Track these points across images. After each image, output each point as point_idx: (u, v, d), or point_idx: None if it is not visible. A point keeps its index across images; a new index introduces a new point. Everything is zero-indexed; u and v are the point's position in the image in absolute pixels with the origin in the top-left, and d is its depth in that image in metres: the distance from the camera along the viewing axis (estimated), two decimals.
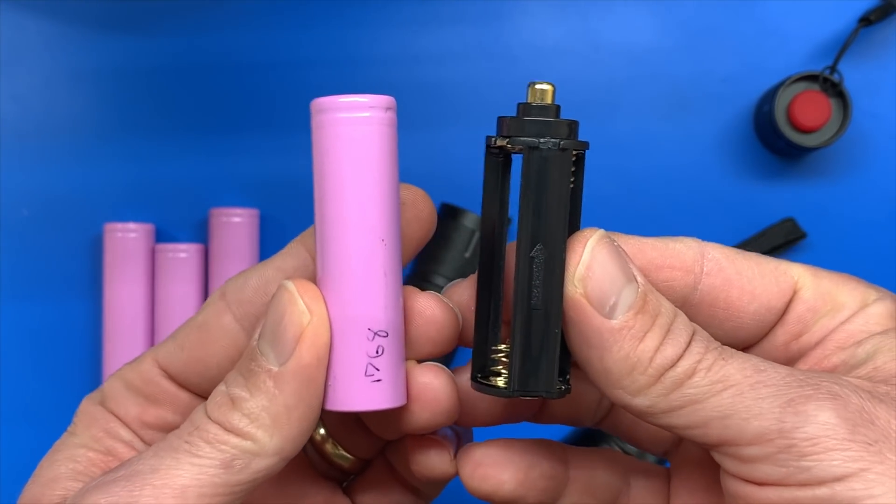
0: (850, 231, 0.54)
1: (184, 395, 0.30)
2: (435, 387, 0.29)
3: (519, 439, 0.30)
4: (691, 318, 0.27)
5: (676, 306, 0.27)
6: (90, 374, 0.54)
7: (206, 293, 0.53)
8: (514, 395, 0.27)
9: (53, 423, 0.54)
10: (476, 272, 0.29)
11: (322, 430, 0.32)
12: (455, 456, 0.30)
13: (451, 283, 0.30)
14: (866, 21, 0.52)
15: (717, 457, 0.26)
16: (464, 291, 0.30)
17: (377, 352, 0.27)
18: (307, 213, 0.59)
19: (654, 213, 0.54)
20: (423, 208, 0.29)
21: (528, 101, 0.28)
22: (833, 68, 0.52)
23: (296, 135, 0.55)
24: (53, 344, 0.54)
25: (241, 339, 0.29)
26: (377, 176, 0.26)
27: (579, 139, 0.27)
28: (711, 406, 0.25)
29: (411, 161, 0.54)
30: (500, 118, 0.28)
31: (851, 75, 0.53)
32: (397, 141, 0.27)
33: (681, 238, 0.29)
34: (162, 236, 0.54)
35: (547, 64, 0.55)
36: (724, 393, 0.25)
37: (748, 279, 0.28)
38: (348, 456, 0.32)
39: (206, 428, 0.26)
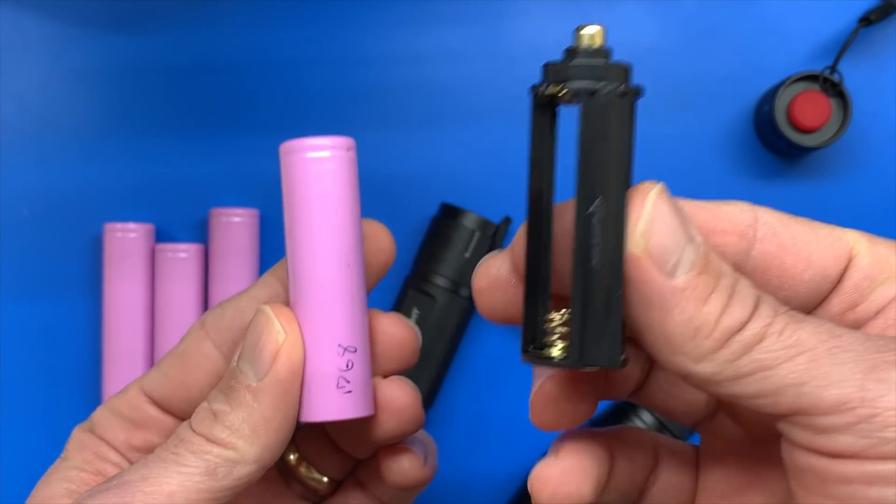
0: None
1: (167, 420, 0.32)
2: (399, 397, 0.31)
3: (579, 439, 0.29)
4: None
5: None
6: (90, 374, 0.54)
7: (206, 293, 0.53)
8: (576, 367, 0.25)
9: (53, 423, 0.54)
10: (525, 237, 0.27)
11: (295, 454, 0.34)
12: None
13: (488, 255, 0.29)
14: (866, 21, 0.52)
15: (785, 427, 0.25)
16: (502, 264, 0.28)
17: (347, 366, 0.29)
18: None
19: None
20: (382, 239, 0.31)
21: (575, 46, 0.26)
22: (833, 68, 0.52)
23: (296, 135, 0.55)
24: (53, 344, 0.54)
25: (221, 365, 0.31)
26: (340, 208, 0.29)
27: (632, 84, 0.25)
28: (784, 372, 0.24)
29: (411, 161, 0.54)
30: (545, 65, 0.26)
31: (851, 75, 0.53)
32: (357, 177, 0.30)
33: (732, 201, 0.28)
34: (162, 236, 0.54)
35: None
36: (798, 358, 0.24)
37: (803, 245, 0.27)
38: (322, 478, 0.34)
39: (191, 440, 0.29)
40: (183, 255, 0.52)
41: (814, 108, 0.51)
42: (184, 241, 0.54)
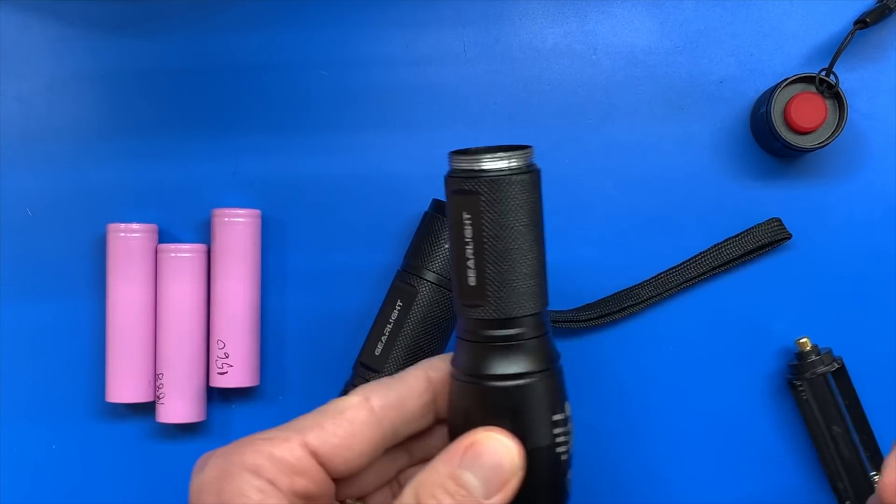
0: (848, 231, 0.54)
1: (322, 473, 0.36)
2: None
3: None
4: None
5: None
6: (93, 375, 0.55)
7: (208, 293, 0.54)
8: None
9: (55, 423, 0.55)
10: None
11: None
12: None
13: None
14: (862, 23, 0.52)
15: None
16: None
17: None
18: (308, 213, 0.59)
19: (651, 213, 0.54)
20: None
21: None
22: (829, 70, 0.52)
23: (297, 135, 0.55)
24: (56, 344, 0.55)
25: (380, 436, 0.36)
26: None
27: None
28: None
29: (410, 161, 0.55)
30: None
31: (847, 77, 0.53)
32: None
33: None
34: (165, 237, 0.55)
35: (545, 65, 0.55)
36: None
37: None
38: None
39: None
40: (185, 255, 0.53)
41: (810, 109, 0.51)
42: (186, 241, 0.54)
